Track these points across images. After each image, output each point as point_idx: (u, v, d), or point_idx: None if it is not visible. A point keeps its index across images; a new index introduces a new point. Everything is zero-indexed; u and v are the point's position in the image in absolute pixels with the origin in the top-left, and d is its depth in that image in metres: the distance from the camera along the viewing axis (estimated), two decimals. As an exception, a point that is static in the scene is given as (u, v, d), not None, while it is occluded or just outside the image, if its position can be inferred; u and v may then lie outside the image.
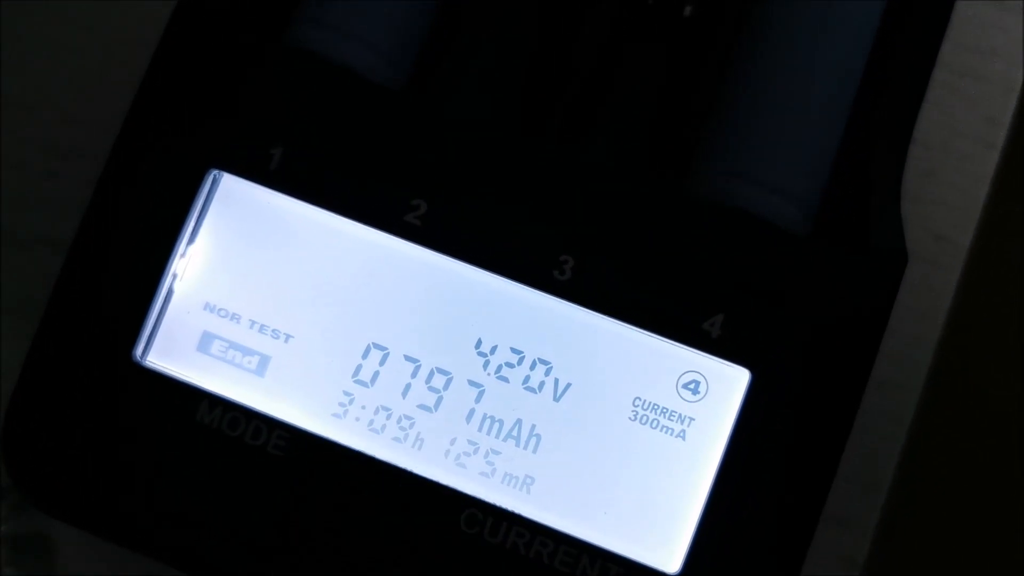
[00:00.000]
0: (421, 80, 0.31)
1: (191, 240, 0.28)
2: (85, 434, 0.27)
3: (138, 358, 0.28)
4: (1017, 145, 0.30)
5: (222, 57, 0.29)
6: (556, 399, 0.28)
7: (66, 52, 0.32)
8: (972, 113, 0.31)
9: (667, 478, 0.27)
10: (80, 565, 0.31)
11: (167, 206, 0.28)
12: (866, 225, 0.29)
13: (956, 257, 0.31)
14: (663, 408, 0.27)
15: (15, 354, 0.28)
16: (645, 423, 0.27)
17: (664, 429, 0.27)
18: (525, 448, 0.28)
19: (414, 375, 0.28)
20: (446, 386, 0.28)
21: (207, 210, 0.28)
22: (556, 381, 0.28)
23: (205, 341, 0.28)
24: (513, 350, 0.28)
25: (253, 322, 0.28)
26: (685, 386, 0.28)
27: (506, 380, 0.28)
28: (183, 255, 0.28)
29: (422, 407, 0.28)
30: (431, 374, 0.28)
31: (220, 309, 0.28)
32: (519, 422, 0.28)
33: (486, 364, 0.28)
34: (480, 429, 0.28)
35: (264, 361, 0.28)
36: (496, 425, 0.28)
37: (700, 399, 0.27)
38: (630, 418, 0.27)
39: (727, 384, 0.27)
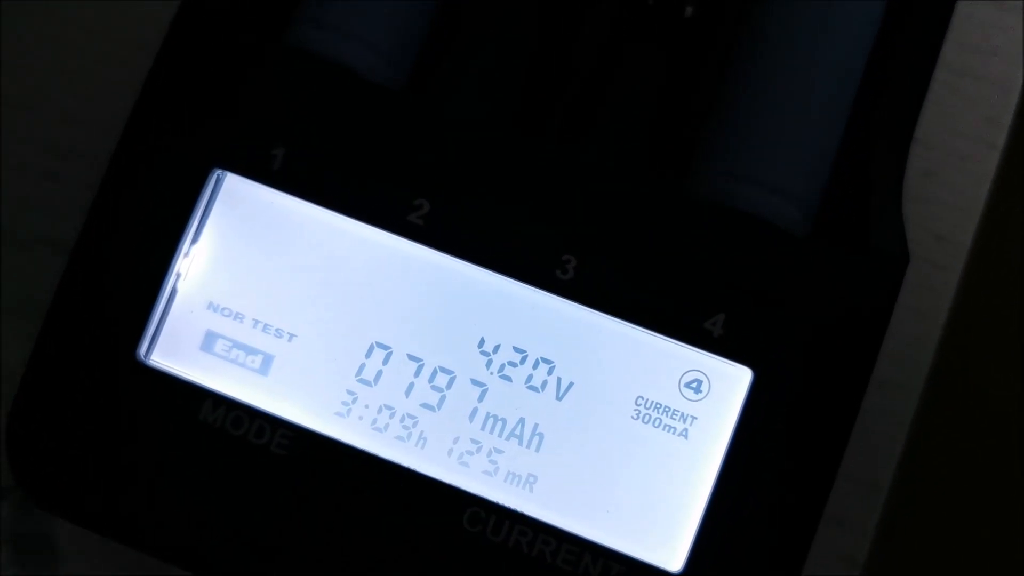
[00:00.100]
0: (421, 80, 0.31)
1: (194, 239, 0.28)
2: (88, 433, 0.27)
3: (142, 357, 0.28)
4: (1018, 145, 0.31)
5: (224, 58, 0.29)
6: (559, 398, 0.28)
7: (66, 52, 0.32)
8: (973, 113, 0.31)
9: (669, 477, 0.27)
10: (82, 565, 0.31)
11: (170, 205, 0.28)
12: (866, 225, 0.29)
13: (957, 257, 0.31)
14: (665, 407, 0.28)
15: (16, 354, 0.28)
16: (647, 422, 0.27)
17: (666, 428, 0.27)
18: (528, 447, 0.28)
19: (417, 374, 0.28)
20: (449, 385, 0.28)
21: (210, 209, 0.28)
22: (559, 380, 0.28)
23: (208, 340, 0.28)
24: (516, 349, 0.28)
25: (256, 321, 0.28)
26: (687, 385, 0.28)
27: (509, 379, 0.28)
28: (186, 254, 0.28)
29: (425, 406, 0.28)
30: (434, 373, 0.28)
31: (223, 308, 0.28)
32: (522, 421, 0.28)
33: (489, 363, 0.28)
34: (483, 428, 0.28)
35: (267, 360, 0.28)
36: (499, 424, 0.28)
37: (702, 398, 0.28)
38: (632, 417, 0.28)
39: (729, 383, 0.27)
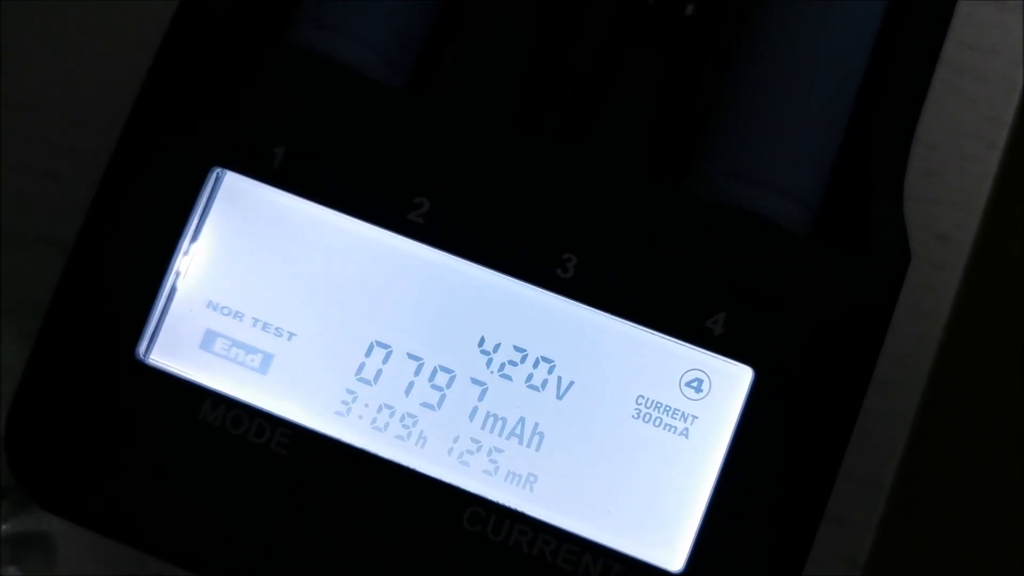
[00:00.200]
0: (421, 80, 0.31)
1: (194, 238, 0.28)
2: (88, 432, 0.27)
3: (141, 356, 0.28)
4: (1019, 144, 0.30)
5: (224, 57, 0.29)
6: (559, 397, 0.28)
7: (66, 52, 0.32)
8: (973, 112, 0.31)
9: (670, 476, 0.27)
10: (82, 565, 0.31)
11: (170, 204, 0.28)
12: (867, 225, 0.29)
13: (958, 257, 0.31)
14: (666, 406, 0.27)
15: (16, 354, 0.28)
16: (648, 421, 0.27)
17: (667, 427, 0.27)
18: (528, 446, 0.28)
19: (417, 373, 0.28)
20: (449, 384, 0.28)
21: (210, 208, 0.28)
22: (559, 379, 0.28)
23: (208, 339, 0.28)
24: (516, 348, 0.28)
25: (256, 320, 0.28)
26: (688, 384, 0.28)
27: (509, 378, 0.28)
28: (186, 253, 0.28)
29: (425, 405, 0.28)
30: (434, 372, 0.28)
31: (223, 307, 0.28)
32: (522, 420, 0.28)
33: (489, 362, 0.28)
34: (483, 427, 0.28)
35: (267, 359, 0.28)
36: (499, 423, 0.28)
37: (703, 397, 0.28)
38: (633, 416, 0.27)
39: (730, 382, 0.27)
